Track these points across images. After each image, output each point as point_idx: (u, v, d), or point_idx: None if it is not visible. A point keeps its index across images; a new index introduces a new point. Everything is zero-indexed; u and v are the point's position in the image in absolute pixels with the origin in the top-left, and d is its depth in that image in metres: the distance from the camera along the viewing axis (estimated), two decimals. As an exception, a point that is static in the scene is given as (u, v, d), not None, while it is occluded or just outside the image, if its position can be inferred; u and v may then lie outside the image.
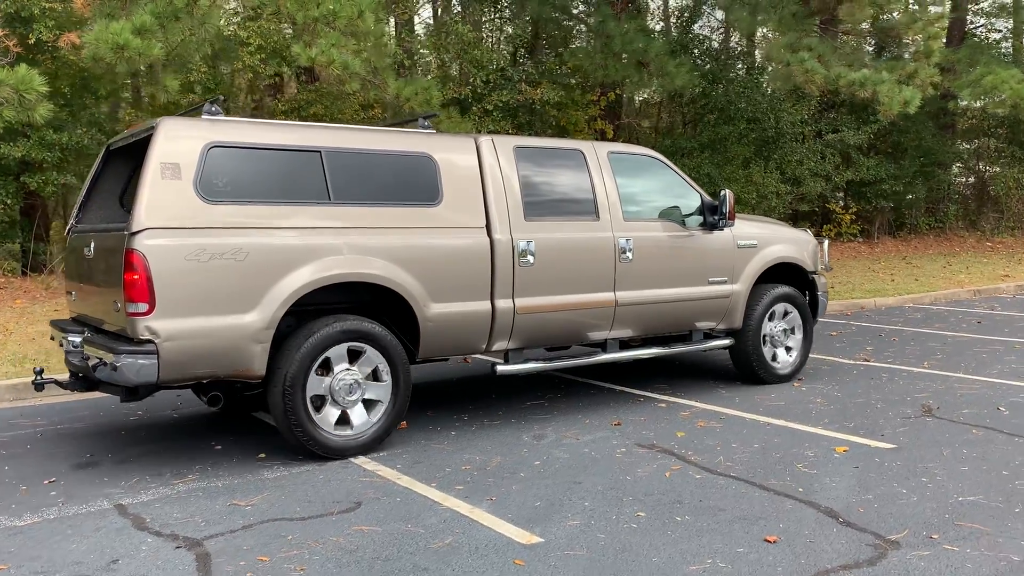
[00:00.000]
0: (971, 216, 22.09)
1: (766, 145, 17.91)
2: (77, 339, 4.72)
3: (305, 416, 4.70)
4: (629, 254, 5.93)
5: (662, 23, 19.75)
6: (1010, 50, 22.87)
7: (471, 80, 14.00)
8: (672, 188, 6.40)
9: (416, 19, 16.71)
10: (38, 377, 4.95)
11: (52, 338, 5.57)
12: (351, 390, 4.87)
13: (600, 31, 14.77)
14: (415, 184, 5.19)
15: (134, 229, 4.29)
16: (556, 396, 6.59)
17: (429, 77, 11.89)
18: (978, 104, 18.52)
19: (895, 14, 13.23)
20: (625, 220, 5.98)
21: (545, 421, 5.79)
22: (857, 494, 4.18)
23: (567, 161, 5.90)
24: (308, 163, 4.87)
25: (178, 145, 4.49)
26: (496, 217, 5.40)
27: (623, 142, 16.72)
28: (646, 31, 14.75)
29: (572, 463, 4.79)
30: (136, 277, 4.25)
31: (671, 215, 6.28)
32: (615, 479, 4.48)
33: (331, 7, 10.82)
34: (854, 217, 19.85)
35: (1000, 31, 23.25)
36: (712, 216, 6.35)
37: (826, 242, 7.53)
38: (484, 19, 15.92)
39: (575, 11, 15.72)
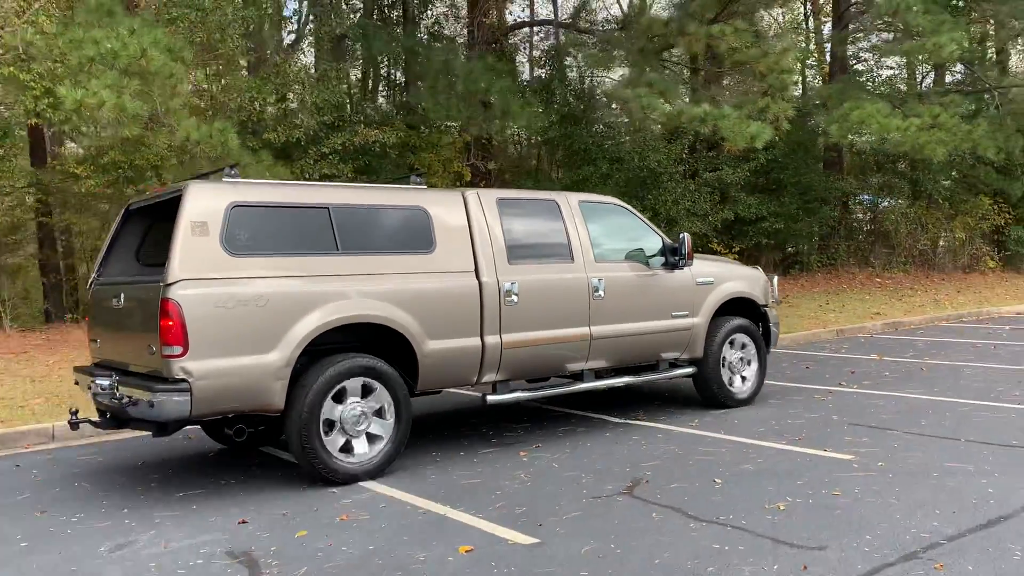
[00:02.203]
0: (863, 252, 21.69)
1: (640, 186, 17.22)
2: (105, 382, 5.23)
3: (319, 444, 5.27)
4: (601, 292, 6.64)
5: (528, 64, 19.18)
6: (900, 86, 22.85)
7: (300, 123, 13.04)
8: (636, 232, 7.16)
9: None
10: (73, 417, 5.54)
11: (76, 383, 6.09)
12: (358, 421, 5.46)
13: (444, 70, 13.97)
14: (412, 234, 5.86)
15: (169, 280, 4.85)
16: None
17: (230, 119, 10.98)
18: (849, 139, 18.08)
19: (733, 47, 12.64)
20: (596, 262, 6.71)
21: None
22: None
23: (543, 210, 6.65)
24: (318, 218, 5.50)
25: (205, 205, 5.07)
26: (483, 262, 6.07)
27: (484, 184, 15.89)
28: (494, 70, 14.04)
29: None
30: (171, 323, 4.80)
31: (636, 256, 7.01)
32: None
33: (109, 46, 9.76)
34: (737, 256, 19.23)
35: (868, 63, 23.20)
36: (673, 257, 7.09)
37: (775, 278, 8.34)
38: (322, 59, 15.04)
39: (420, 50, 14.94)
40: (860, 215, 23.61)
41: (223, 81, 13.24)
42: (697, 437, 6.45)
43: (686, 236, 7.05)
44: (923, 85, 25.19)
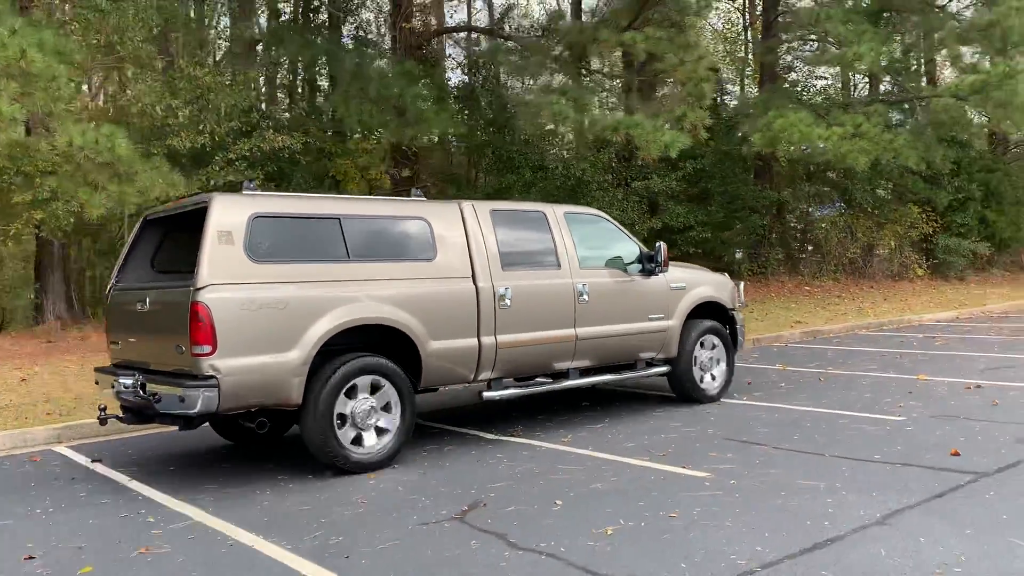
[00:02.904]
0: (794, 261, 21.81)
1: (568, 195, 17.05)
2: (128, 380, 5.63)
3: (333, 437, 5.65)
4: (585, 296, 7.11)
5: (455, 70, 18.97)
6: (837, 96, 22.98)
7: (203, 128, 12.60)
8: (616, 241, 7.66)
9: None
10: (102, 414, 6.01)
11: (97, 382, 6.50)
12: (368, 415, 5.85)
13: (357, 75, 13.64)
14: (415, 243, 6.29)
15: (199, 285, 5.17)
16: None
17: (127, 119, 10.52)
18: (786, 149, 18.11)
19: (649, 54, 12.52)
20: (580, 268, 7.19)
21: None
22: None
23: (532, 220, 7.14)
24: (330, 228, 5.92)
25: (229, 216, 5.43)
26: (479, 268, 6.51)
27: (406, 192, 15.56)
28: (410, 75, 13.76)
29: None
30: (202, 324, 5.12)
31: (616, 263, 7.50)
32: None
33: (-16, 47, 9.26)
34: (667, 265, 19.16)
35: (803, 73, 23.40)
36: (649, 264, 7.59)
37: (741, 284, 8.93)
38: (232, 62, 14.59)
39: (337, 54, 14.58)
40: (793, 223, 23.77)
41: (125, 85, 12.75)
42: (562, 454, 6.19)
43: (662, 245, 7.59)
44: (858, 95, 25.52)
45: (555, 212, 7.30)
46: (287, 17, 15.40)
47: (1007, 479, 5.08)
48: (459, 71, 17.94)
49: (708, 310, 8.18)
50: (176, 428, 5.96)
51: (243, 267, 5.38)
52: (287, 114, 14.03)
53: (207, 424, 6.71)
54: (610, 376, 7.51)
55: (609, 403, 8.28)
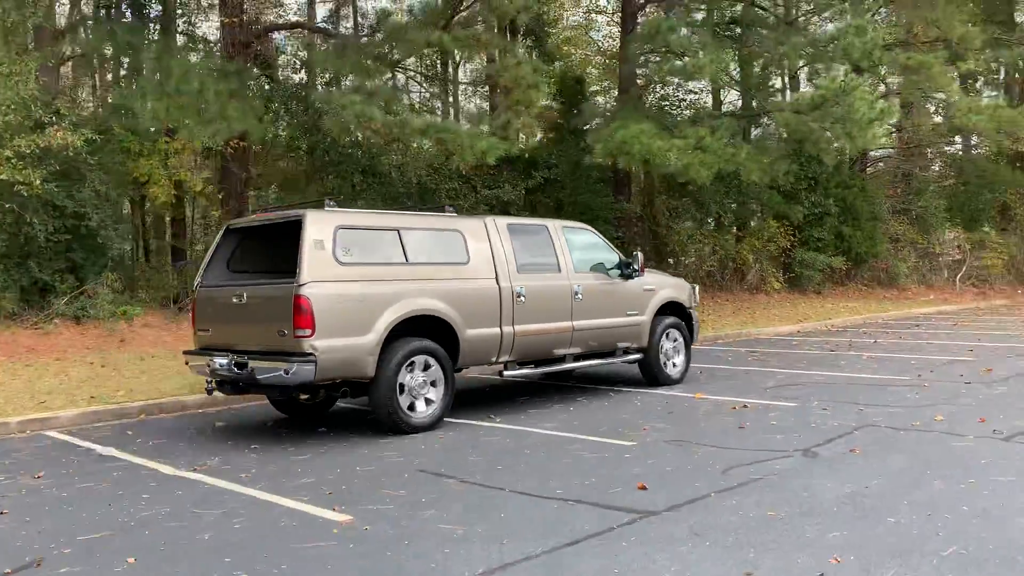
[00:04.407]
0: (649, 271, 21.61)
1: (417, 202, 16.31)
2: (223, 360, 6.97)
3: (396, 403, 6.96)
4: (580, 295, 8.51)
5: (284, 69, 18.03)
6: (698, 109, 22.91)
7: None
8: (600, 250, 9.14)
9: None
10: (209, 385, 7.33)
11: (187, 363, 7.62)
12: (421, 387, 7.15)
13: (156, 69, 12.61)
14: (453, 250, 7.65)
15: (301, 282, 6.48)
16: None
17: None
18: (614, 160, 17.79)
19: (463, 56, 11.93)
20: (575, 272, 8.61)
21: None
22: None
23: (537, 232, 8.54)
24: (392, 237, 7.29)
25: (320, 228, 6.76)
26: (500, 271, 7.87)
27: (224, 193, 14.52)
28: (222, 73, 12.81)
29: None
30: (304, 313, 6.43)
31: (601, 268, 8.93)
32: None
33: None
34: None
35: (659, 84, 23.30)
36: (627, 269, 9.09)
37: (696, 287, 10.34)
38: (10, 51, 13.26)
39: (139, 47, 13.51)
40: (653, 237, 23.62)
41: None
42: (214, 491, 5.40)
43: (639, 254, 9.20)
44: (724, 110, 25.66)
45: (554, 225, 8.81)
46: (94, 7, 14.25)
47: (667, 520, 4.52)
48: (288, 70, 17.06)
49: (671, 309, 9.68)
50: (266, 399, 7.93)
51: (332, 268, 6.69)
52: (82, 112, 12.85)
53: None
54: (596, 361, 8.91)
55: (342, 432, 7.54)
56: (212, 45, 16.27)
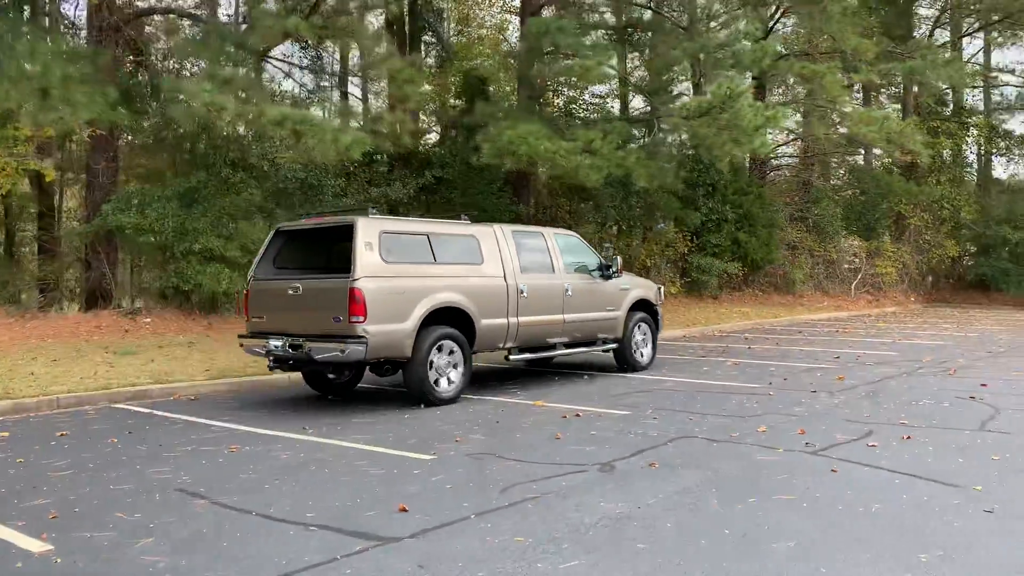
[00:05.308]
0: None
1: (301, 200, 15.65)
2: (279, 342, 8.16)
3: (427, 379, 8.25)
4: (569, 292, 9.97)
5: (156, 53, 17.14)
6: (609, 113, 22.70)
7: None
8: (584, 253, 10.56)
9: None
10: (271, 363, 8.52)
11: (241, 345, 8.89)
12: (447, 367, 8.49)
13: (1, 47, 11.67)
14: (470, 253, 9.06)
15: (355, 277, 7.72)
16: None
17: None
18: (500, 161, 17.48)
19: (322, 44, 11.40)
20: (566, 272, 10.05)
21: None
22: None
23: (535, 238, 10.04)
24: (423, 241, 8.62)
25: (369, 232, 8.00)
26: (507, 271, 9.32)
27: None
28: (72, 55, 11.99)
29: None
30: (358, 302, 7.66)
31: (585, 269, 10.38)
32: None
33: None
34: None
35: (576, 90, 23.19)
36: (607, 271, 10.59)
37: (662, 287, 11.91)
38: None
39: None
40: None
41: None
42: None
43: (619, 258, 10.64)
44: (632, 114, 25.64)
45: (548, 232, 10.31)
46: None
47: (401, 549, 4.13)
48: (155, 58, 16.19)
49: (641, 305, 11.15)
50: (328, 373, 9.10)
51: (378, 266, 7.91)
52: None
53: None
54: (581, 349, 10.34)
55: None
56: (80, 29, 15.29)
